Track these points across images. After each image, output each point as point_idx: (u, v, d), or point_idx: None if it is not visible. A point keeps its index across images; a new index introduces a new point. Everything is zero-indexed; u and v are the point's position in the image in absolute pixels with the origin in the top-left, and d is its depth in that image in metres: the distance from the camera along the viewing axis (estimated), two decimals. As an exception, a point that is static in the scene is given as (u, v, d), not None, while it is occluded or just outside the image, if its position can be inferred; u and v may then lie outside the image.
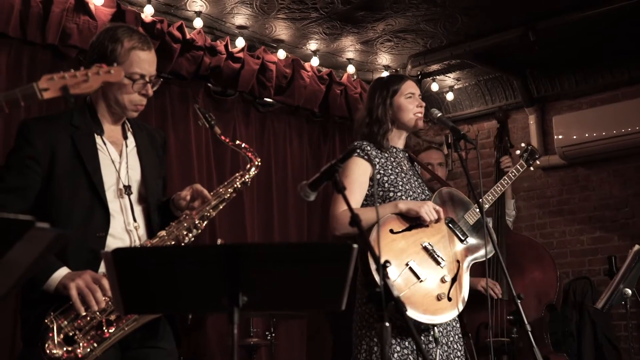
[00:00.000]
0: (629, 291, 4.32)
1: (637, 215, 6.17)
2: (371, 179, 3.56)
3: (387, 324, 2.11)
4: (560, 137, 6.31)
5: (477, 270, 3.84)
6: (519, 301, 3.28)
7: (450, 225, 3.59)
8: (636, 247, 4.45)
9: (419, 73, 6.40)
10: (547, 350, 4.61)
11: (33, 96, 2.19)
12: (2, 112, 2.21)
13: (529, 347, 3.31)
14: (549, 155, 6.54)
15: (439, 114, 3.72)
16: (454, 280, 3.44)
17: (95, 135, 2.89)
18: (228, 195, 2.98)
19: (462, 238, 3.59)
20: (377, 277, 3.18)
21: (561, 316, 6.03)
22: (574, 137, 6.23)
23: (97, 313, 2.66)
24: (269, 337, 5.10)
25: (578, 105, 6.53)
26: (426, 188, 3.75)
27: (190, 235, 2.90)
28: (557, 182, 6.62)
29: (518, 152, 4.58)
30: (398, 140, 3.73)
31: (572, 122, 6.30)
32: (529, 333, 3.21)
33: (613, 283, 4.40)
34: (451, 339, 3.51)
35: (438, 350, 3.38)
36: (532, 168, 4.58)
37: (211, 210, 2.95)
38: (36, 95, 2.19)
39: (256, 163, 3.04)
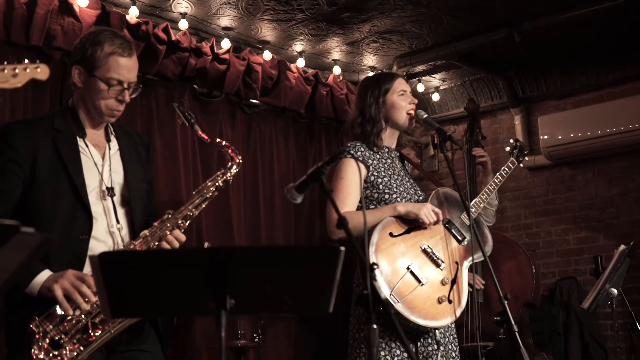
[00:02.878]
0: (615, 291, 4.33)
1: (622, 215, 6.21)
2: (366, 181, 3.54)
3: (375, 326, 2.11)
4: (545, 137, 6.34)
5: None
6: (505, 302, 3.27)
7: (447, 226, 3.56)
8: (622, 246, 4.47)
9: (404, 74, 6.40)
10: (530, 350, 4.60)
11: None
12: None
13: (514, 348, 3.31)
14: (535, 155, 6.56)
15: (425, 115, 3.68)
16: (453, 282, 3.43)
17: (78, 138, 2.89)
18: (210, 193, 2.99)
19: (460, 239, 3.55)
20: (383, 288, 3.19)
21: (548, 315, 6.06)
22: (559, 137, 6.26)
23: (83, 316, 2.65)
24: (256, 339, 5.09)
25: (563, 105, 6.56)
26: (418, 188, 3.72)
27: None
28: (542, 182, 6.64)
29: (508, 148, 4.54)
30: (391, 139, 3.71)
31: (557, 123, 6.33)
32: (516, 334, 3.20)
33: (599, 283, 4.42)
34: (447, 339, 3.50)
35: (439, 353, 3.37)
36: (522, 165, 4.53)
37: (194, 210, 2.96)
38: None
39: (237, 161, 3.05)
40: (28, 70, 2.17)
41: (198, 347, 5.20)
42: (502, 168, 4.33)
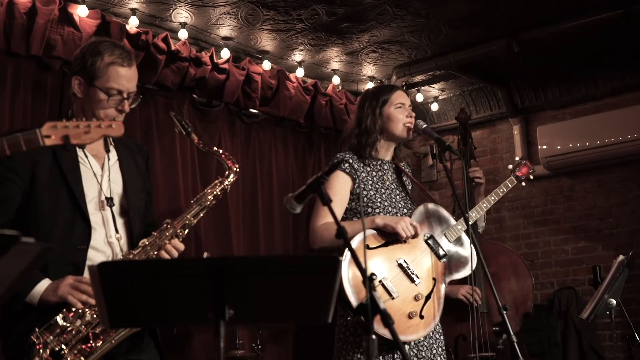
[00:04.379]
0: (614, 301, 4.33)
1: (621, 226, 6.21)
2: (352, 193, 3.53)
3: (374, 337, 2.10)
4: (544, 147, 6.34)
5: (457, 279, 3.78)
6: (504, 312, 3.25)
7: (429, 242, 3.53)
8: (620, 257, 4.47)
9: (403, 84, 6.41)
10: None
11: (35, 142, 2.21)
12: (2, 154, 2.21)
13: (514, 358, 3.29)
14: (533, 165, 6.54)
15: (424, 125, 3.68)
16: (428, 297, 3.40)
17: (77, 149, 2.89)
18: (209, 202, 3.00)
19: (441, 255, 3.52)
20: (351, 297, 3.16)
21: (546, 325, 6.05)
22: (558, 147, 6.27)
23: (83, 327, 2.65)
24: (255, 349, 5.08)
25: (562, 115, 6.56)
26: (409, 202, 3.69)
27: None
28: (541, 192, 6.65)
29: (510, 166, 4.51)
30: (385, 152, 3.69)
31: (556, 133, 6.33)
32: (515, 344, 3.19)
33: (598, 293, 4.41)
34: (434, 351, 3.49)
35: None
36: (524, 183, 4.50)
37: (192, 219, 2.97)
38: (38, 141, 2.21)
39: (235, 169, 3.06)
40: (102, 127, 2.30)
41: (197, 357, 5.19)
42: (500, 186, 4.28)
